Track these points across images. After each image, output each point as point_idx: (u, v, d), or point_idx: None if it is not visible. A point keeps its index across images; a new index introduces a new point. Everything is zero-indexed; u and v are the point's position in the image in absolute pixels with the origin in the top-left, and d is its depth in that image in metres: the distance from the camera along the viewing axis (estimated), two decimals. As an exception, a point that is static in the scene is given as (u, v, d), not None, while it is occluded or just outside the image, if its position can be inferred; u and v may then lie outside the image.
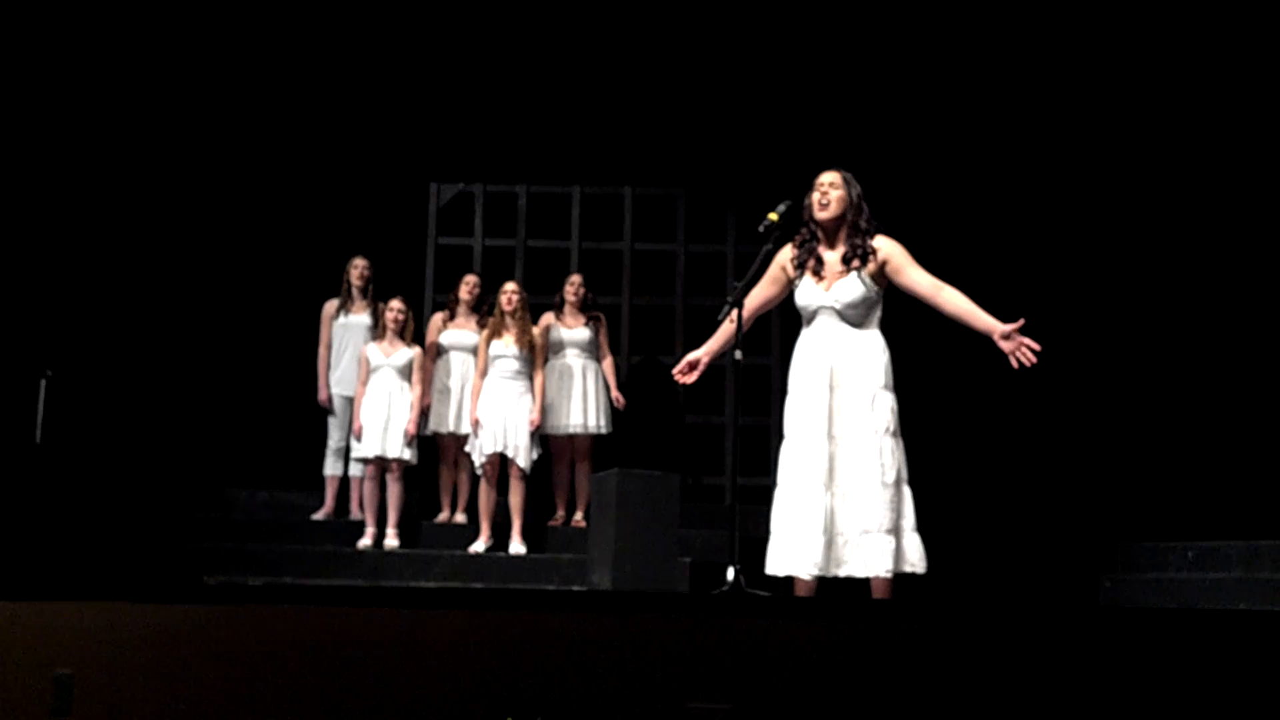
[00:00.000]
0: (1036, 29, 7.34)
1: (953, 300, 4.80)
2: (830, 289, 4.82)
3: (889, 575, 4.68)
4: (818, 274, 4.85)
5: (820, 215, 4.87)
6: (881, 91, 7.70)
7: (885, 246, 4.84)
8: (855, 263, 4.81)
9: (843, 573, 4.70)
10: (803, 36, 7.67)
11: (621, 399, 7.48)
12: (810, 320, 4.87)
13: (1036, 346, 4.67)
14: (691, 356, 5.07)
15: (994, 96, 7.52)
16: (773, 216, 4.88)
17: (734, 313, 4.85)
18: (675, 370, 5.08)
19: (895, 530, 4.68)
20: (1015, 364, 4.70)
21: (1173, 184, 7.16)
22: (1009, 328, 4.69)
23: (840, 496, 4.70)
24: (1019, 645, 3.50)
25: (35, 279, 7.07)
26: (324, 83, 7.91)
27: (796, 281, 4.90)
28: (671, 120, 8.13)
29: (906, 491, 4.76)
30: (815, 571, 4.64)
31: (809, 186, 5.00)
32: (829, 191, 4.87)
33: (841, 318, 4.80)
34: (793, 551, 4.69)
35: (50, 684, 3.60)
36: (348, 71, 7.89)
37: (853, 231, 4.86)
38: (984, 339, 4.81)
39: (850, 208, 4.87)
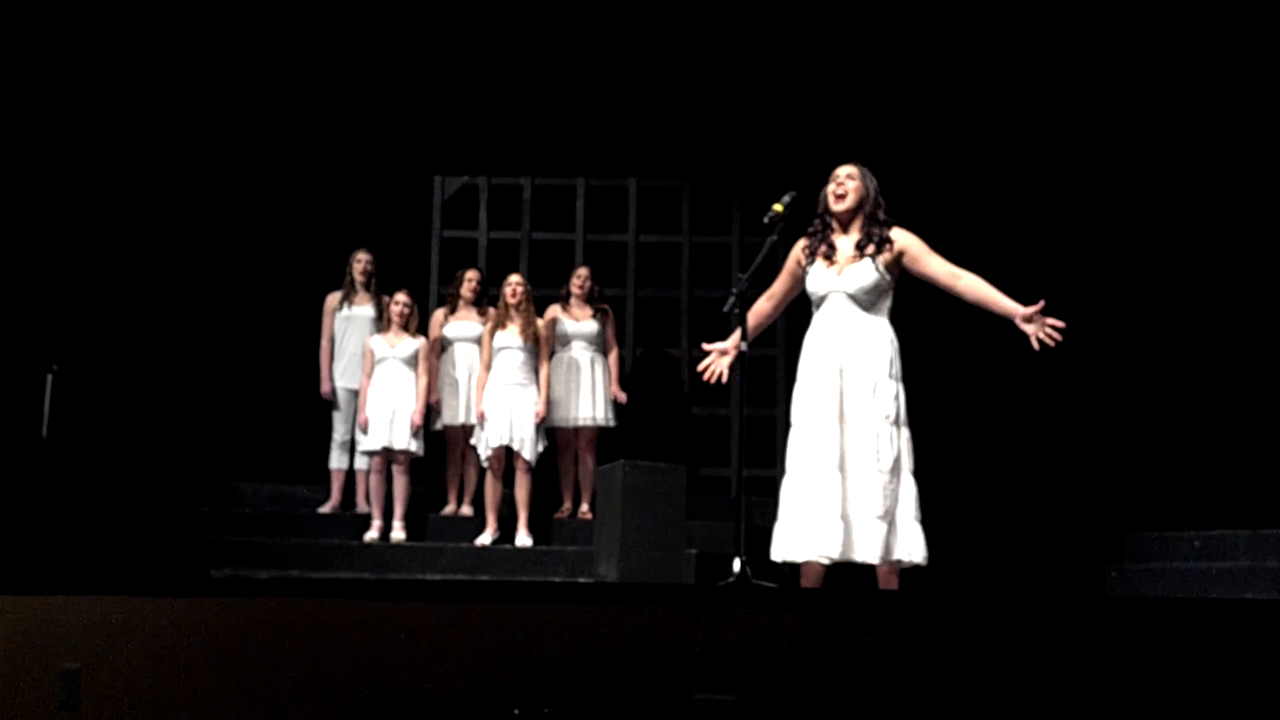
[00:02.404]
0: (1043, 18, 7.32)
1: (972, 286, 4.79)
2: (842, 273, 4.81)
3: (879, 563, 4.68)
4: (830, 259, 4.85)
5: (836, 207, 4.87)
6: (888, 83, 7.68)
7: (902, 238, 4.84)
8: (870, 249, 4.80)
9: (843, 556, 4.70)
10: (808, 28, 7.65)
11: (620, 394, 7.46)
12: (820, 305, 4.86)
13: (1061, 324, 4.64)
14: (720, 346, 5.01)
15: (1000, 89, 7.50)
16: (777, 208, 4.87)
17: (744, 310, 4.85)
18: (705, 362, 5.03)
19: (889, 518, 4.68)
20: (1037, 345, 4.67)
21: (1180, 175, 7.14)
22: (1031, 310, 4.67)
23: (846, 481, 4.70)
24: (1026, 636, 3.50)
25: (41, 274, 7.08)
26: (328, 76, 7.90)
27: (808, 267, 4.89)
28: (676, 112, 8.11)
29: (908, 481, 4.74)
30: (834, 556, 4.63)
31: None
32: (845, 183, 4.87)
33: (852, 302, 4.79)
34: (806, 536, 4.68)
35: (58, 678, 3.61)
36: (352, 64, 7.88)
37: (869, 221, 4.86)
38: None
39: (867, 200, 4.87)
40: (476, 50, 7.90)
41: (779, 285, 5.01)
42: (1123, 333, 7.19)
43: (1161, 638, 3.46)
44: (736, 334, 4.97)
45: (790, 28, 7.64)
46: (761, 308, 4.99)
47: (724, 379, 5.04)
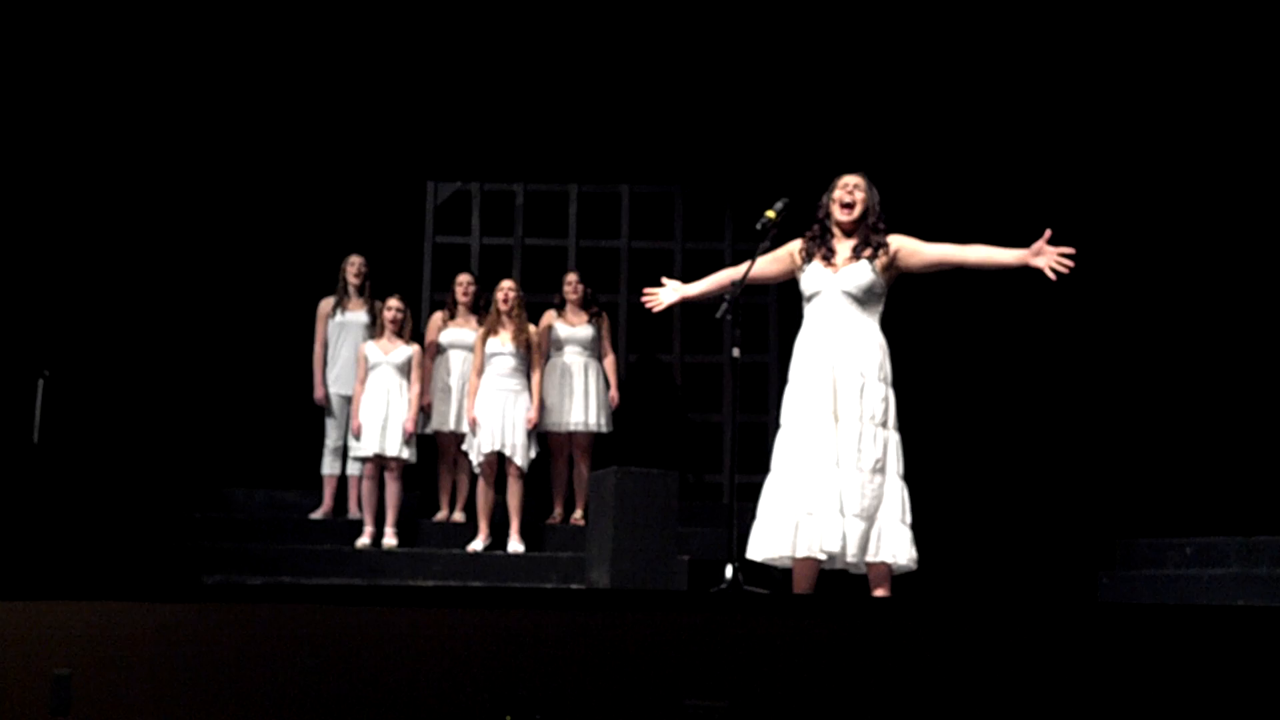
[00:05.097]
0: (1031, 25, 7.34)
1: (976, 252, 4.88)
2: (839, 273, 4.85)
3: (856, 560, 4.69)
4: (828, 260, 4.89)
5: (841, 217, 4.91)
6: (878, 89, 7.70)
7: (896, 239, 4.90)
8: (867, 252, 4.86)
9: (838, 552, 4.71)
10: (799, 34, 7.67)
11: (617, 398, 7.48)
12: (812, 301, 4.89)
13: (1070, 251, 4.70)
14: (675, 285, 5.18)
15: (990, 94, 7.52)
16: (770, 214, 4.89)
17: (746, 263, 4.90)
18: (651, 290, 5.20)
19: (868, 517, 4.69)
20: (1053, 276, 4.73)
21: (1173, 181, 7.16)
22: (1038, 244, 4.76)
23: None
24: (1018, 641, 3.51)
25: (33, 279, 7.07)
26: (321, 81, 7.90)
27: (803, 267, 4.93)
28: (668, 118, 8.13)
29: (895, 483, 4.76)
30: (834, 550, 4.64)
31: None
32: (854, 193, 4.91)
33: (847, 299, 4.83)
34: (800, 534, 4.69)
35: (49, 683, 3.60)
36: (345, 70, 7.89)
37: (868, 230, 4.90)
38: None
39: (870, 212, 4.92)
40: (469, 57, 7.92)
41: (763, 261, 4.98)
42: (1115, 340, 7.20)
43: (1153, 644, 3.47)
44: (694, 286, 5.13)
45: (781, 35, 7.66)
46: (734, 273, 5.00)
47: (655, 310, 5.20)
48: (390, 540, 7.04)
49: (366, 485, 7.13)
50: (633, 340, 8.49)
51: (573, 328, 7.46)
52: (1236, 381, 6.88)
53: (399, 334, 7.25)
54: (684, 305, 5.35)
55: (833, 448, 4.72)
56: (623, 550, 6.01)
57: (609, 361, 7.55)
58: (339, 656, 3.58)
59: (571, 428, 7.33)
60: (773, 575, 5.18)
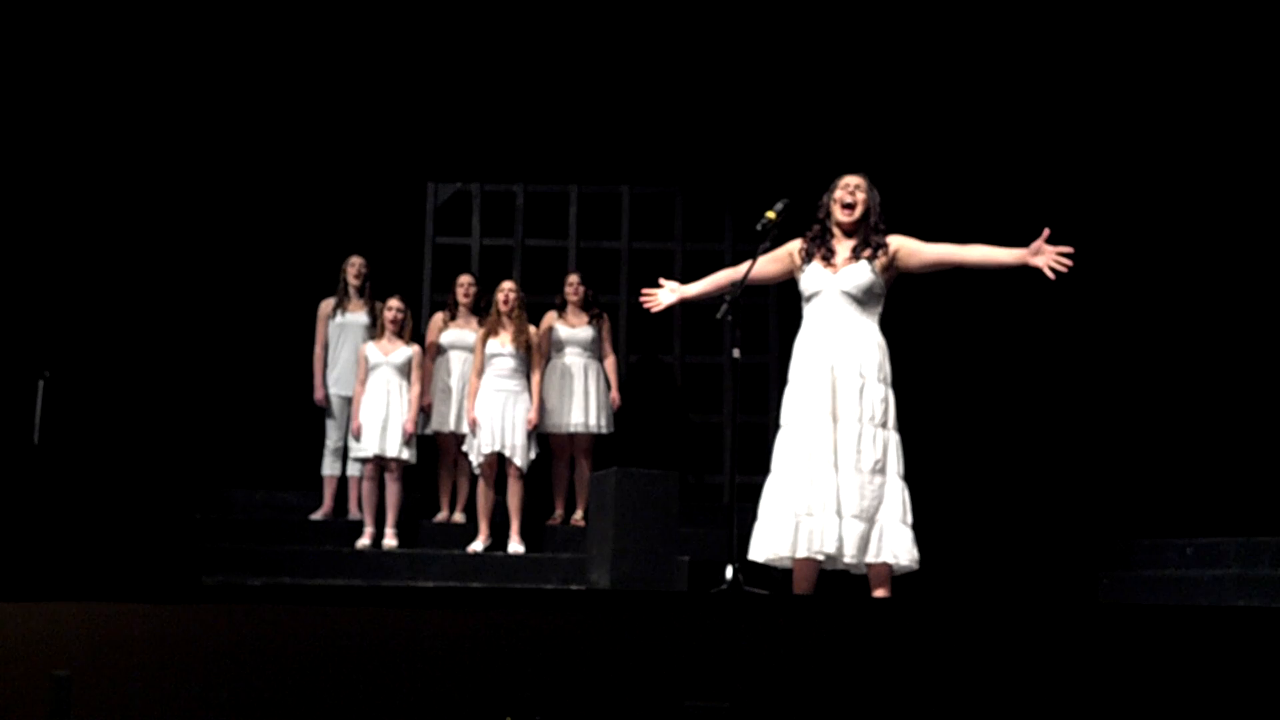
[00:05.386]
0: (1030, 25, 7.34)
1: (975, 252, 4.88)
2: (838, 273, 4.86)
3: (856, 561, 4.70)
4: (827, 260, 4.89)
5: (843, 217, 4.91)
6: (878, 90, 7.70)
7: (895, 240, 4.91)
8: (867, 253, 4.86)
9: (837, 553, 4.71)
10: (799, 36, 7.67)
11: (618, 399, 7.48)
12: (812, 301, 4.90)
13: (1069, 250, 4.70)
14: (674, 285, 5.20)
15: (989, 95, 7.52)
16: (770, 215, 4.89)
17: (746, 263, 4.92)
18: (649, 291, 5.23)
19: (868, 518, 4.69)
20: (1052, 276, 4.74)
21: (1173, 182, 7.16)
22: (1036, 243, 4.76)
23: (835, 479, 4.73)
24: (1018, 642, 3.50)
25: (33, 280, 7.07)
26: (321, 82, 7.91)
27: (803, 268, 4.93)
28: (668, 119, 8.13)
29: (894, 484, 4.76)
30: (830, 551, 4.64)
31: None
32: (855, 193, 4.91)
33: (846, 299, 4.84)
34: (800, 534, 4.69)
35: (48, 685, 3.60)
36: (345, 71, 7.89)
37: (869, 231, 4.90)
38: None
39: (871, 212, 4.92)
40: (470, 57, 7.92)
41: (763, 261, 4.98)
42: (1115, 340, 7.20)
43: (1153, 645, 3.47)
44: (692, 287, 5.15)
45: (781, 37, 7.66)
46: (734, 274, 5.01)
47: (654, 310, 5.24)
48: (390, 541, 7.05)
49: (367, 486, 7.14)
50: (633, 341, 8.49)
51: (573, 329, 7.46)
52: (1236, 382, 6.88)
53: (399, 335, 7.25)
54: (684, 306, 5.35)
55: (832, 448, 4.72)
56: (623, 551, 6.01)
57: (610, 362, 7.55)
58: (339, 657, 3.58)
59: (572, 429, 7.33)
60: (773, 576, 5.17)
